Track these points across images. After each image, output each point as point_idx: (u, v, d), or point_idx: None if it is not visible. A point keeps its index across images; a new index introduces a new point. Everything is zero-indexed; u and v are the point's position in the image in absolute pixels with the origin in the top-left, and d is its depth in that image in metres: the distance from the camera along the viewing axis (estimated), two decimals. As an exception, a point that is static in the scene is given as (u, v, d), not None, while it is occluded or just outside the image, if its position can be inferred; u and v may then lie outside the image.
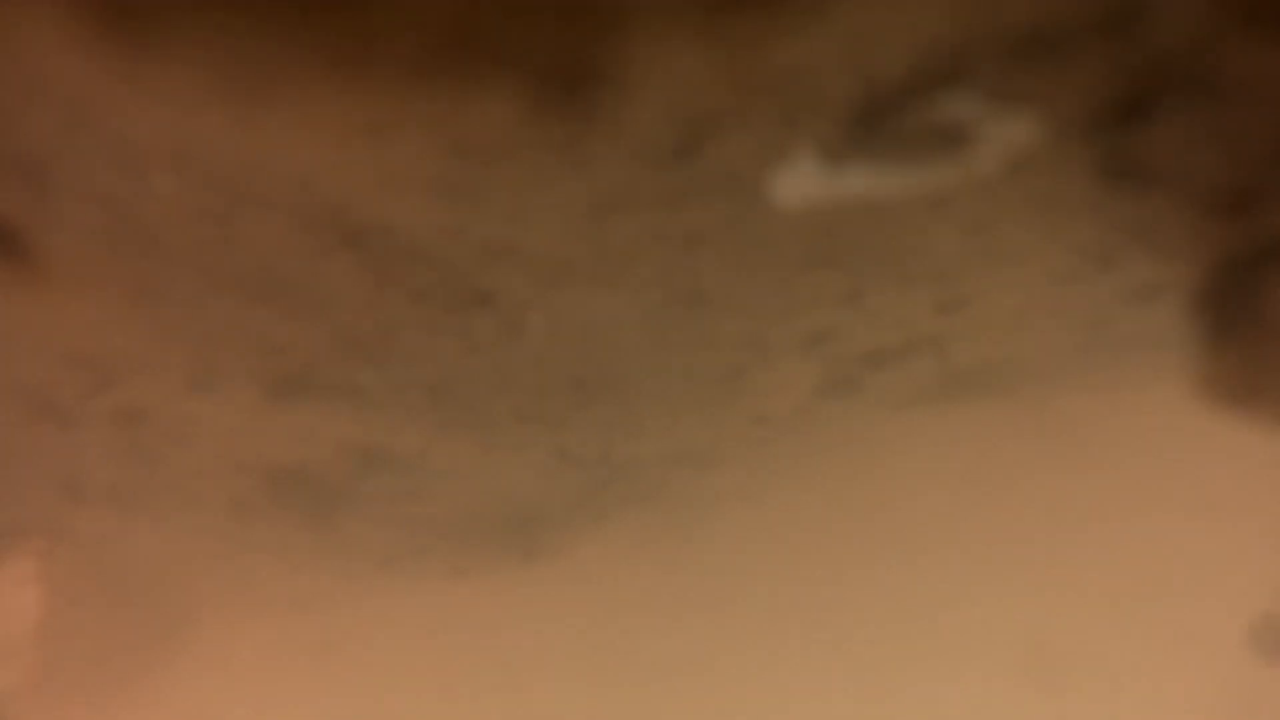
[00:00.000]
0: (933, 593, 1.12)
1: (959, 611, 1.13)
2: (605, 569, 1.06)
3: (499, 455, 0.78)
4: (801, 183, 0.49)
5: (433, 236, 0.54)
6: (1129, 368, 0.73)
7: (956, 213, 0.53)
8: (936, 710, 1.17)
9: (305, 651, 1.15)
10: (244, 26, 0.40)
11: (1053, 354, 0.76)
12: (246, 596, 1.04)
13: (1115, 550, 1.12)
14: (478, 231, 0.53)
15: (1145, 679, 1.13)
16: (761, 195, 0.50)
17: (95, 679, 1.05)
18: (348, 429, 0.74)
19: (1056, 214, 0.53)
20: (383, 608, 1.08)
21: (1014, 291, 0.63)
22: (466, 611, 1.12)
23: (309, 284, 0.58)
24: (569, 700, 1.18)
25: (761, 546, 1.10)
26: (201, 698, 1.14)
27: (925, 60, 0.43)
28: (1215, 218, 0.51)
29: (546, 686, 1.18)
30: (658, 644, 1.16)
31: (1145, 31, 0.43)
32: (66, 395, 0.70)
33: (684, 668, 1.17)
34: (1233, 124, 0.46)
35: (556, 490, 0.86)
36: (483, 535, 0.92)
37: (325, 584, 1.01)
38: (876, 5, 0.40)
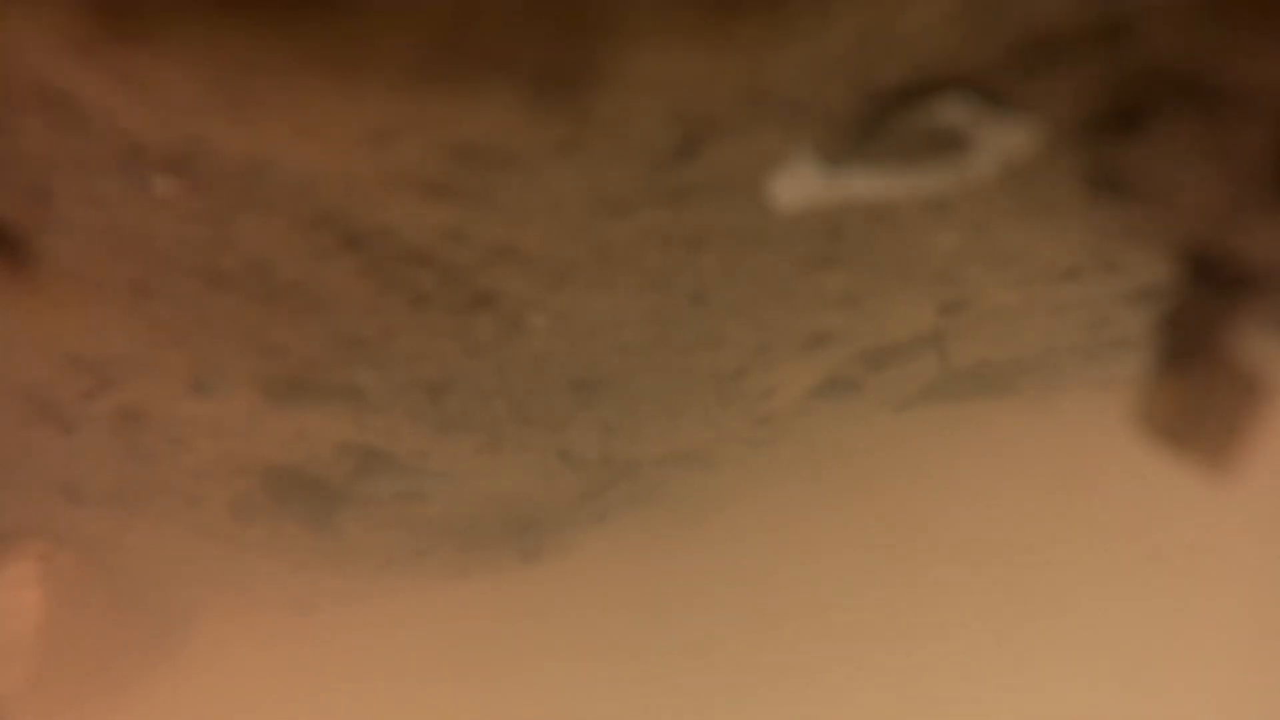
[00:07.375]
0: (932, 589, 1.12)
1: (958, 607, 1.13)
2: (606, 569, 1.06)
3: (499, 456, 0.78)
4: (801, 185, 0.49)
5: (433, 238, 0.54)
6: (1129, 368, 0.73)
7: (954, 216, 0.53)
8: (936, 705, 1.17)
9: (305, 651, 1.15)
10: (244, 30, 0.40)
11: (1053, 354, 0.76)
12: (246, 596, 1.05)
13: (1116, 546, 1.12)
14: (478, 233, 0.53)
15: (1147, 666, 1.13)
16: (761, 197, 0.50)
17: (96, 679, 1.05)
18: (347, 430, 0.74)
19: (1050, 218, 0.53)
20: (383, 608, 1.09)
21: (1013, 292, 0.63)
22: (467, 612, 1.12)
23: (309, 285, 0.58)
24: (570, 699, 1.18)
25: (761, 546, 1.10)
26: (201, 698, 1.14)
27: (923, 67, 0.43)
28: (1191, 237, 0.51)
29: (547, 685, 1.18)
30: (657, 643, 1.16)
31: (1139, 44, 0.43)
32: (67, 397, 0.70)
33: (684, 666, 1.17)
34: (1221, 141, 0.46)
35: (557, 491, 0.86)
36: (483, 536, 0.92)
37: (325, 584, 1.01)
38: (875, 13, 0.40)
